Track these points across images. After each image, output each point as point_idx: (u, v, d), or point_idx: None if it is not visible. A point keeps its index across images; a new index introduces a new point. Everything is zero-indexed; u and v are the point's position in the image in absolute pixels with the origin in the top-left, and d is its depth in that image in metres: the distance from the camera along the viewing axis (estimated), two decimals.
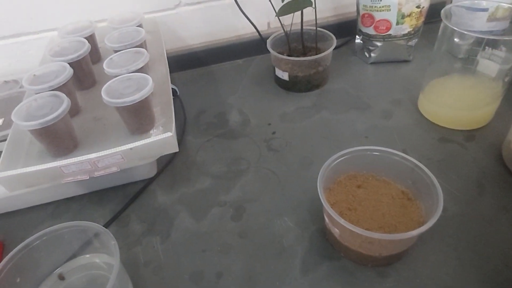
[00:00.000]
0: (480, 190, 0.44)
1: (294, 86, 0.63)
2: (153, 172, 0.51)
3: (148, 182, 0.50)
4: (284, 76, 0.62)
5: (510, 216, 0.41)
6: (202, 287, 0.38)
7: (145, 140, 0.39)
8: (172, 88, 0.64)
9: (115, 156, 0.39)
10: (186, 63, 0.72)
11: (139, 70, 0.45)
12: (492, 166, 0.47)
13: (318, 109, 0.59)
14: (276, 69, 0.63)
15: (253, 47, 0.73)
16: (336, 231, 0.37)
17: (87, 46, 0.50)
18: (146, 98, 0.41)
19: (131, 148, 0.39)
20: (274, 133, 0.56)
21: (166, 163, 0.53)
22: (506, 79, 0.47)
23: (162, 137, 0.40)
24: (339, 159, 0.40)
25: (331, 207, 0.40)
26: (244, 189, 0.48)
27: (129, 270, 0.39)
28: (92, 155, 0.39)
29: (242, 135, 0.56)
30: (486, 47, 0.47)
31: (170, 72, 0.72)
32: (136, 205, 0.47)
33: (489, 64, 0.49)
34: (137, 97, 0.39)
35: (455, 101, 0.51)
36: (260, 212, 0.45)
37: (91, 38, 0.55)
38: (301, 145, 0.53)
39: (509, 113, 0.46)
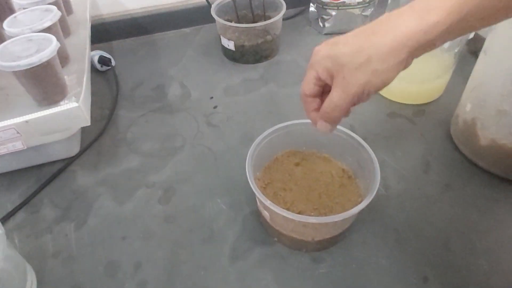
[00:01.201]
0: (426, 168, 0.42)
1: (241, 57, 0.58)
2: (74, 150, 0.45)
3: (68, 162, 0.44)
4: (230, 45, 0.57)
5: (453, 194, 0.39)
6: (117, 280, 0.34)
7: (43, 111, 0.33)
8: (106, 58, 0.58)
9: (7, 130, 0.33)
10: (126, 31, 0.65)
11: (47, 31, 0.38)
12: (440, 142, 0.44)
13: (265, 81, 0.54)
14: (222, 38, 0.57)
15: (201, 14, 0.66)
16: (266, 214, 0.33)
17: None
18: (49, 62, 0.34)
19: (26, 121, 0.33)
20: (215, 107, 0.51)
21: (91, 141, 0.47)
22: (456, 50, 0.44)
23: (64, 109, 0.34)
24: (273, 135, 0.36)
25: (266, 187, 0.36)
26: (176, 169, 0.43)
27: (34, 262, 0.34)
28: None
29: (181, 109, 0.51)
30: None
31: (108, 40, 0.65)
32: (51, 188, 0.42)
33: None
34: (35, 59, 0.33)
35: (405, 74, 0.47)
36: (191, 193, 0.40)
37: None
38: (244, 120, 0.48)
39: (459, 87, 0.44)
